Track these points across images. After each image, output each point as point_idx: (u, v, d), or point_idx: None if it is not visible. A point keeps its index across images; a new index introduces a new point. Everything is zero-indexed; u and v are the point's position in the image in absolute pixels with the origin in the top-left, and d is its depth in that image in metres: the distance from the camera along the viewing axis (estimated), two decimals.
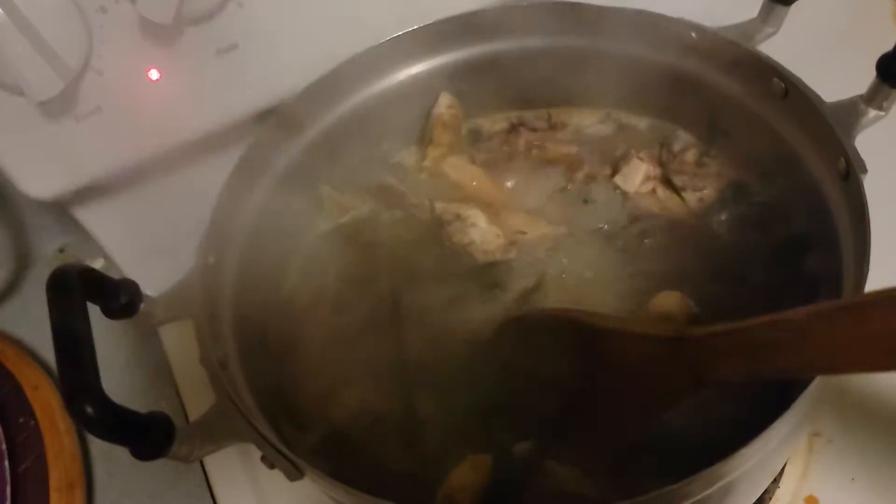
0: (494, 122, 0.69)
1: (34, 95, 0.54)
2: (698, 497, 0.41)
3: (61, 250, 0.92)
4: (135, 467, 0.74)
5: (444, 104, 0.66)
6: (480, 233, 0.57)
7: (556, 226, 0.60)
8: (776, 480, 0.61)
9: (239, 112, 0.65)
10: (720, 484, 0.41)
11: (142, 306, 0.49)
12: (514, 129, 0.66)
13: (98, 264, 0.89)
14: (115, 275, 0.75)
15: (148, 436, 0.41)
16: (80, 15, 0.55)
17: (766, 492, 0.60)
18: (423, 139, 0.68)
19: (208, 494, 0.69)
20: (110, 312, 0.48)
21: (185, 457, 0.43)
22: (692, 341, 0.43)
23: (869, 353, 0.34)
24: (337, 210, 0.65)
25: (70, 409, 0.39)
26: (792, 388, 0.41)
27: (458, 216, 0.58)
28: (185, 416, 0.73)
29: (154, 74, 0.61)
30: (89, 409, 0.38)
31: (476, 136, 0.68)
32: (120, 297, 0.48)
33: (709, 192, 0.58)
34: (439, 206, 0.61)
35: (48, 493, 0.65)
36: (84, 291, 0.44)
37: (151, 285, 0.72)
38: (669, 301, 0.54)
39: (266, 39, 0.63)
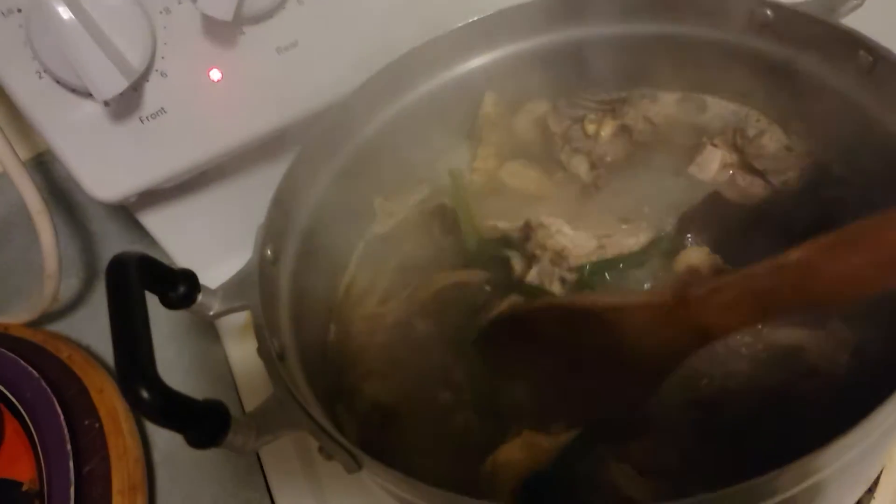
0: (553, 119, 0.67)
1: (99, 94, 0.55)
2: (783, 496, 0.37)
3: None
4: (197, 472, 0.74)
5: (490, 102, 0.65)
6: (570, 238, 0.54)
7: (636, 222, 0.56)
8: (871, 490, 0.56)
9: (299, 110, 0.65)
10: (810, 482, 0.37)
11: (199, 296, 0.48)
12: (576, 122, 0.64)
13: None
14: None
15: (203, 422, 0.40)
16: (144, 15, 0.56)
17: (858, 502, 0.55)
18: (473, 139, 0.67)
19: (269, 501, 0.68)
20: (168, 301, 0.48)
21: (240, 446, 0.42)
22: (695, 300, 0.42)
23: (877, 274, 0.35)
24: (390, 218, 0.64)
25: (125, 392, 0.38)
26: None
27: (540, 224, 0.55)
28: (241, 408, 0.72)
29: (216, 75, 0.62)
30: (144, 393, 0.38)
31: (530, 134, 0.66)
32: (178, 287, 0.47)
33: (792, 174, 0.55)
34: (504, 224, 0.58)
35: (111, 495, 0.65)
36: (142, 278, 0.44)
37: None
38: (694, 257, 0.52)
39: (326, 36, 0.63)
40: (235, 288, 0.50)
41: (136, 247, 0.93)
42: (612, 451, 0.46)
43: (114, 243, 0.93)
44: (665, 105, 0.63)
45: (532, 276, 0.53)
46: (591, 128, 0.61)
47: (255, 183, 0.73)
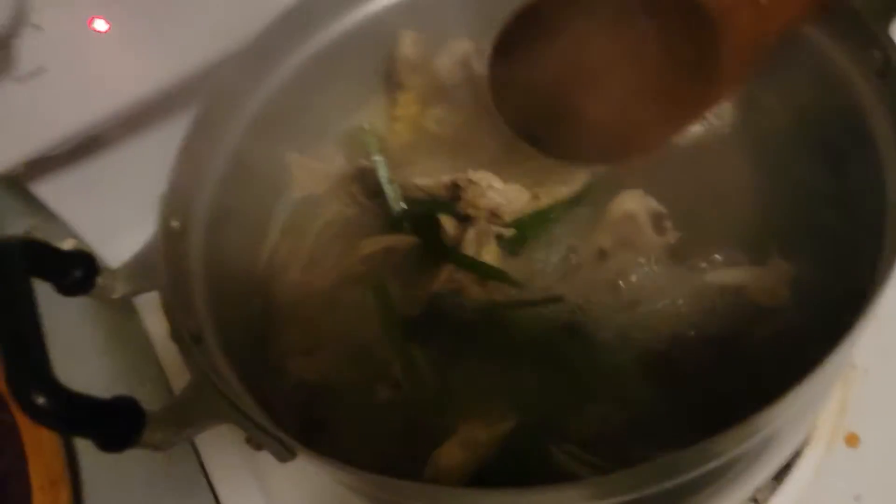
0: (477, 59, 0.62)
1: None
2: (741, 449, 0.36)
3: (27, 233, 0.86)
4: (126, 457, 0.70)
5: (408, 42, 0.59)
6: (502, 193, 0.51)
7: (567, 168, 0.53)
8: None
9: (199, 59, 0.59)
10: (764, 433, 0.37)
11: (98, 280, 0.43)
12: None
13: (68, 245, 0.83)
14: None
15: (113, 424, 0.36)
16: None
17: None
18: (390, 85, 0.62)
19: (203, 476, 0.65)
20: (63, 288, 0.43)
21: (159, 444, 0.38)
22: None
23: None
24: (307, 177, 0.59)
25: (18, 399, 0.34)
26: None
27: (470, 181, 0.51)
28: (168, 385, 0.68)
29: (101, 25, 0.55)
30: (40, 400, 0.34)
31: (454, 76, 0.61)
32: (73, 271, 0.43)
33: (726, 107, 0.52)
34: (426, 181, 0.54)
35: (31, 493, 0.61)
36: (28, 266, 0.39)
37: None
38: (630, 201, 0.49)
39: None
40: (140, 266, 0.45)
41: (35, 219, 0.86)
42: (554, 432, 0.44)
43: (10, 213, 0.85)
44: None
45: (469, 241, 0.50)
46: None
47: (162, 141, 0.67)
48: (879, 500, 0.54)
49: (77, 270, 0.43)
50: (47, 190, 0.67)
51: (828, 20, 0.46)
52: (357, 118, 0.62)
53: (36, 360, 0.34)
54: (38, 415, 0.34)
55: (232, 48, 0.59)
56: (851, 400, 0.59)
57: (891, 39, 0.42)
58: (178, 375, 0.69)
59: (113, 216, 0.70)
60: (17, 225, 0.85)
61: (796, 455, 0.56)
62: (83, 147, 0.63)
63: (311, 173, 0.60)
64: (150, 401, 0.39)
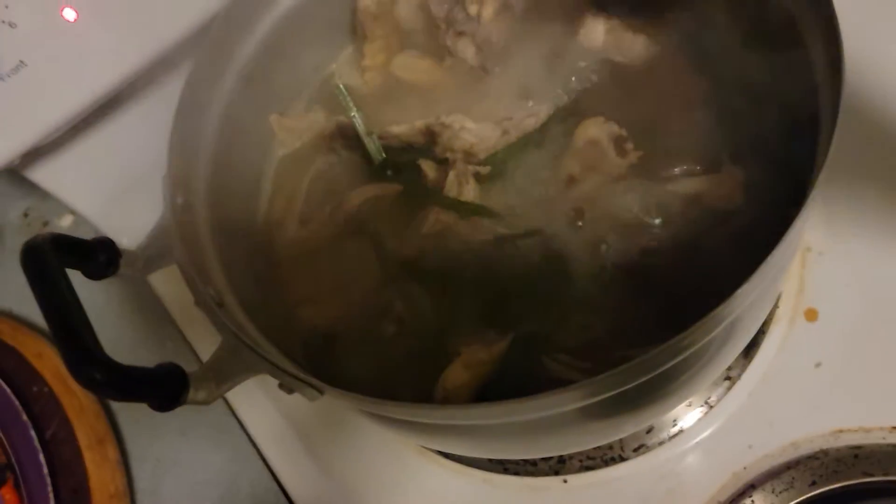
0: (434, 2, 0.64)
1: None
2: (713, 336, 0.41)
3: (25, 214, 0.89)
4: None
5: None
6: (475, 133, 0.54)
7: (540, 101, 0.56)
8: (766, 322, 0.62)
9: (169, 37, 0.61)
10: (731, 318, 0.41)
11: (121, 262, 0.48)
12: (456, 3, 0.61)
13: (66, 221, 0.87)
14: (85, 229, 0.75)
15: (162, 388, 0.41)
16: None
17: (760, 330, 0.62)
18: (357, 37, 0.64)
19: (233, 417, 0.71)
20: (90, 274, 0.47)
21: (203, 400, 0.43)
22: None
23: None
24: (290, 136, 0.62)
25: (78, 379, 0.39)
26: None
27: (443, 125, 0.55)
28: (194, 352, 0.73)
29: (70, 14, 0.57)
30: (97, 375, 0.38)
31: (415, 21, 0.63)
32: (98, 258, 0.47)
33: (671, 25, 0.56)
34: (401, 128, 0.57)
35: (81, 452, 0.67)
36: (61, 260, 0.43)
37: (126, 231, 0.72)
38: (592, 128, 0.53)
39: None
40: (156, 244, 0.49)
41: (31, 199, 0.89)
42: (545, 343, 0.49)
43: (5, 199, 0.88)
44: None
45: (451, 182, 0.54)
46: (473, 8, 0.59)
47: (145, 114, 0.69)
48: (837, 365, 0.61)
49: (101, 256, 0.47)
50: (39, 173, 0.70)
51: None
52: (329, 73, 0.65)
53: (86, 341, 0.39)
54: (97, 388, 0.39)
55: (201, 19, 0.61)
56: (808, 279, 0.65)
57: None
58: (194, 332, 0.74)
59: (106, 190, 0.73)
60: (16, 207, 0.88)
61: (761, 333, 0.62)
62: (71, 131, 0.65)
63: (293, 132, 0.63)
64: (174, 358, 0.44)
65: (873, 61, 0.65)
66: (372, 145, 0.58)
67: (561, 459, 0.61)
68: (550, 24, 0.58)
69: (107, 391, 0.39)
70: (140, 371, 0.41)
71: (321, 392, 0.43)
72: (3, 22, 0.54)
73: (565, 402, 0.39)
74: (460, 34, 0.60)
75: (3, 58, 0.56)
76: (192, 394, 0.43)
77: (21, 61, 0.56)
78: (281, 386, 0.44)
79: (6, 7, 0.54)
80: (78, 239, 0.46)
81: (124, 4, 0.59)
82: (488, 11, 0.58)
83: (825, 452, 0.58)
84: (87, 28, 0.58)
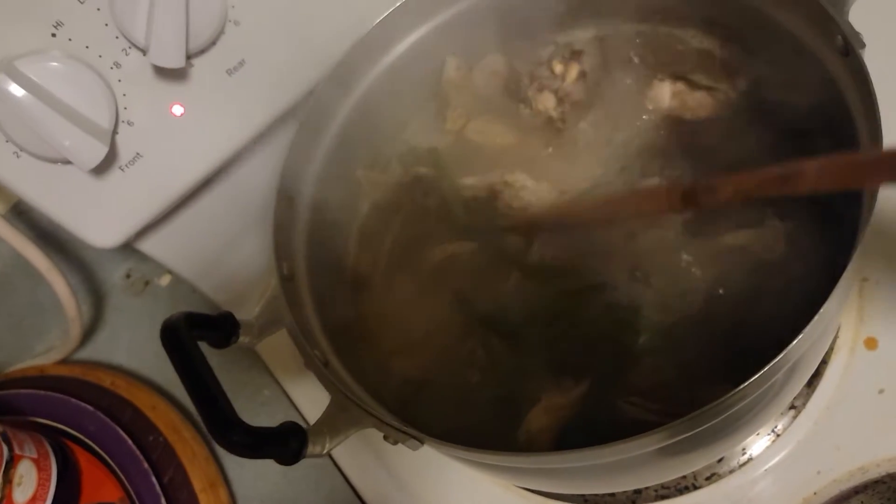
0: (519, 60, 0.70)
1: (83, 165, 0.57)
2: (772, 381, 0.45)
3: (128, 275, 0.97)
4: None
5: (453, 67, 0.68)
6: (533, 193, 0.59)
7: (600, 166, 0.61)
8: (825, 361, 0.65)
9: (263, 120, 0.69)
10: (792, 361, 0.44)
11: (240, 331, 0.54)
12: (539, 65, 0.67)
13: (165, 281, 0.95)
14: (182, 286, 0.82)
15: (287, 445, 0.47)
16: (97, 74, 0.58)
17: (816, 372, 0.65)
18: (438, 103, 0.71)
19: (329, 459, 0.76)
20: (216, 345, 0.53)
21: (318, 453, 0.49)
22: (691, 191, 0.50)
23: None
24: (376, 189, 0.68)
25: (219, 441, 0.45)
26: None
27: (505, 183, 0.60)
28: (290, 401, 0.80)
29: (178, 110, 0.65)
30: (237, 438, 0.45)
31: (490, 88, 0.70)
32: (222, 330, 0.53)
33: (725, 87, 0.60)
34: (472, 180, 0.63)
35: (196, 495, 0.74)
36: (192, 334, 0.50)
37: (222, 288, 0.79)
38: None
39: (268, 49, 0.66)
40: (267, 313, 0.56)
41: (132, 261, 0.97)
42: (618, 387, 0.53)
43: (109, 263, 0.97)
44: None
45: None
46: (559, 67, 0.65)
47: (238, 186, 0.77)
48: None
49: (224, 328, 0.53)
50: (146, 245, 0.78)
51: (796, 9, 0.54)
52: (410, 133, 0.72)
53: (226, 410, 0.45)
54: (234, 449, 0.45)
55: (294, 100, 0.69)
56: (867, 309, 0.68)
57: (848, 24, 0.49)
58: (290, 381, 0.81)
59: (204, 255, 0.81)
60: (119, 269, 0.97)
61: (823, 363, 0.65)
62: (177, 208, 0.73)
63: (378, 186, 0.69)
64: (270, 404, 0.48)
65: None
66: (458, 204, 0.64)
67: (637, 490, 0.66)
68: (621, 89, 0.63)
69: (244, 451, 0.45)
70: (267, 431, 0.47)
71: (422, 442, 0.49)
72: (123, 121, 0.62)
73: (643, 445, 0.43)
74: (543, 88, 0.66)
75: (123, 152, 0.63)
76: (310, 448, 0.48)
77: (137, 153, 0.64)
78: (386, 438, 0.50)
79: (125, 108, 0.61)
80: (206, 315, 0.52)
81: (223, 97, 0.66)
82: (572, 74, 0.64)
83: (892, 476, 0.60)
84: (193, 120, 0.65)
